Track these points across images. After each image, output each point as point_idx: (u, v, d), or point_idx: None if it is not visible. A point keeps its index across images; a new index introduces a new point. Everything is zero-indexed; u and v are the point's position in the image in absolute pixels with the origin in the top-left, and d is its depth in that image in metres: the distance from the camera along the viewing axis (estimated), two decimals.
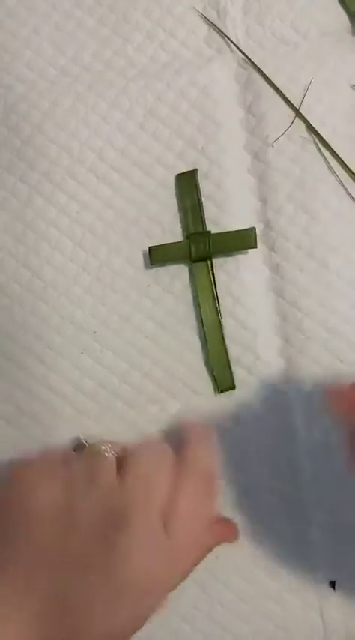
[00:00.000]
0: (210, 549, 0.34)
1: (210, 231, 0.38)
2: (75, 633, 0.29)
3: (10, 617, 0.29)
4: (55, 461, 0.34)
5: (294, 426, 0.37)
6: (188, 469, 0.33)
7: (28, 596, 0.29)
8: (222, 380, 0.38)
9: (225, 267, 0.38)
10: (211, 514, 0.35)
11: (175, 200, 0.39)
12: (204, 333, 0.38)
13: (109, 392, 0.38)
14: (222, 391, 0.38)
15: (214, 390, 0.38)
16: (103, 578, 0.30)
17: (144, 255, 0.39)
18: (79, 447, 0.36)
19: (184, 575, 0.33)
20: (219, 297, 0.38)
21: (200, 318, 0.38)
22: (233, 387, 0.38)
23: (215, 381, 0.38)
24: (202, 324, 0.38)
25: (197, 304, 0.38)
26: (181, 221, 0.39)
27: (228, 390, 0.38)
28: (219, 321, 0.38)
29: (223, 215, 0.39)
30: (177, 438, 0.36)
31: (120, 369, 0.38)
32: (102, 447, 0.34)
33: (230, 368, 0.38)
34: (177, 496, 0.32)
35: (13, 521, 0.32)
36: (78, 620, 0.29)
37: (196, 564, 0.33)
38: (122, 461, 0.33)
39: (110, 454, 0.33)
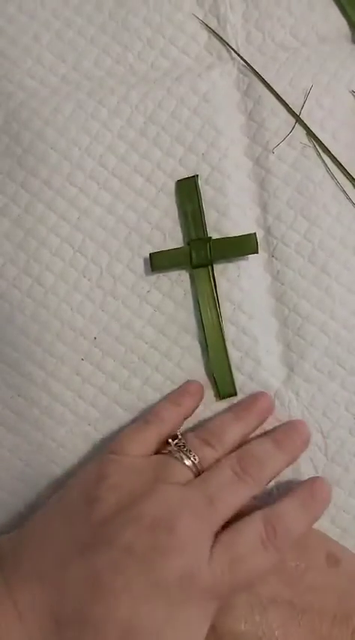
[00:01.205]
0: None
1: (210, 237, 0.38)
2: (97, 619, 0.29)
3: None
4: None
5: None
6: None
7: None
8: (223, 386, 0.38)
9: (225, 273, 0.38)
10: None
11: (176, 206, 0.39)
12: (205, 339, 0.38)
13: (110, 398, 0.38)
14: (223, 397, 0.38)
15: (215, 396, 0.38)
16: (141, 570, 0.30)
17: (144, 261, 0.39)
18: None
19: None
20: (220, 303, 0.38)
21: (201, 324, 0.38)
22: (234, 393, 0.38)
23: (216, 387, 0.38)
24: (203, 330, 0.38)
25: (198, 310, 0.38)
26: (182, 227, 0.39)
27: (229, 397, 0.38)
28: (220, 327, 0.38)
29: (224, 221, 0.39)
30: None
31: (121, 376, 0.38)
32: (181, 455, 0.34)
33: (231, 374, 0.38)
34: None
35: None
36: (104, 607, 0.29)
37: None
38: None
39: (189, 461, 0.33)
